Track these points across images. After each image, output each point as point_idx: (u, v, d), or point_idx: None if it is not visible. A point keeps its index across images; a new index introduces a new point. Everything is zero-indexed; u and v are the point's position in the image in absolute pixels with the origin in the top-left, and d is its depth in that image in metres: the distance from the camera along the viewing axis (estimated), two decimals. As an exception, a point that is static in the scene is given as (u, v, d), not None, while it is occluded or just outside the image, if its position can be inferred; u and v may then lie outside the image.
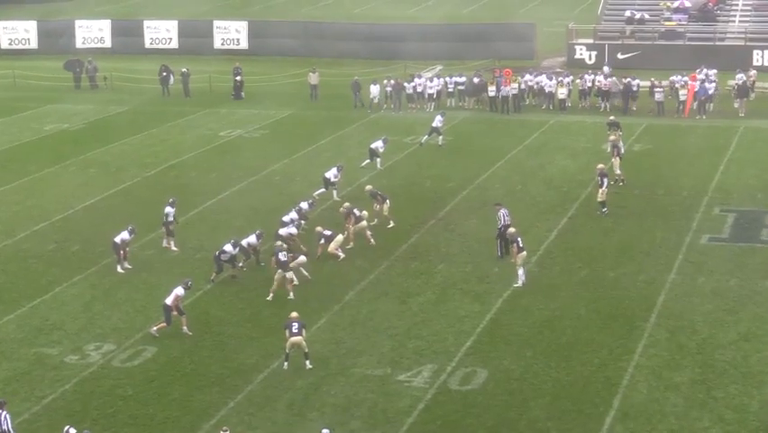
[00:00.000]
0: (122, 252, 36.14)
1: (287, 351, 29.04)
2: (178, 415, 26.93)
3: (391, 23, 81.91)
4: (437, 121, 51.73)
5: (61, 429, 24.59)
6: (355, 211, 38.61)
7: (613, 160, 45.05)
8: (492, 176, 46.88)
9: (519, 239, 34.76)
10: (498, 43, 72.91)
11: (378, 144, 48.21)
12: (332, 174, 43.48)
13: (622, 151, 45.60)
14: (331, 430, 24.33)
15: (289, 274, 33.92)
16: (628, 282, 34.78)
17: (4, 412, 24.54)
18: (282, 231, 37.12)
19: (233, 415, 26.82)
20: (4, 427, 24.39)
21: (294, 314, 29.62)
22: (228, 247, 35.22)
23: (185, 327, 31.29)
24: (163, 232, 38.32)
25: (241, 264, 35.96)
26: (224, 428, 24.64)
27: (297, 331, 28.94)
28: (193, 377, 28.86)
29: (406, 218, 40.84)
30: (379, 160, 47.90)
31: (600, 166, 41.74)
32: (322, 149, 52.34)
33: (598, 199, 40.94)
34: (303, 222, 38.63)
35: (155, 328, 31.24)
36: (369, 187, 41.57)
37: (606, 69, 62.03)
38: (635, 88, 58.38)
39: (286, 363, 29.01)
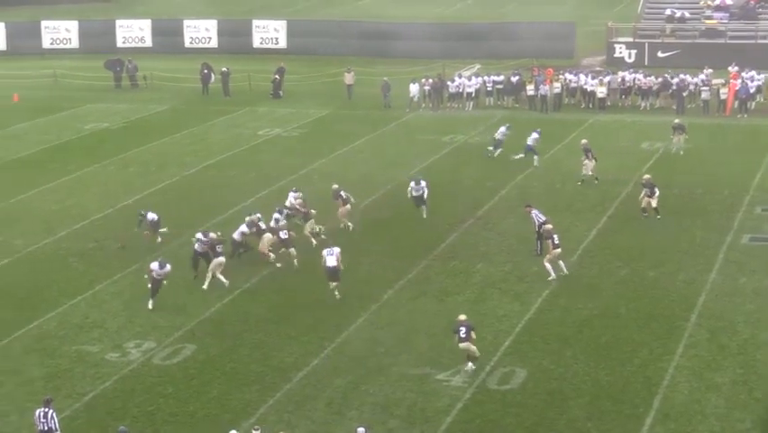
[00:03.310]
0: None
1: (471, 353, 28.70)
2: (218, 413, 27.01)
3: (429, 21, 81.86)
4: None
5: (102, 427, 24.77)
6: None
7: (587, 161, 44.57)
8: (531, 175, 46.76)
9: (555, 236, 34.76)
10: (536, 42, 72.75)
11: (501, 130, 49.47)
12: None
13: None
14: (367, 429, 24.34)
15: (293, 250, 35.74)
16: (668, 282, 34.59)
17: (51, 410, 24.68)
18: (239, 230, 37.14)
19: (272, 413, 26.88)
20: (51, 424, 24.53)
21: (462, 317, 29.20)
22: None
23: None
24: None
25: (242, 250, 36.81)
26: (256, 427, 24.68)
27: (464, 336, 28.43)
28: (232, 375, 28.94)
29: (445, 217, 40.81)
30: (499, 150, 49.14)
31: (647, 177, 40.87)
32: (359, 148, 52.39)
33: (653, 206, 40.04)
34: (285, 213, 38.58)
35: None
36: (335, 186, 40.98)
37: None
38: (692, 87, 58.15)
39: (470, 364, 28.69)
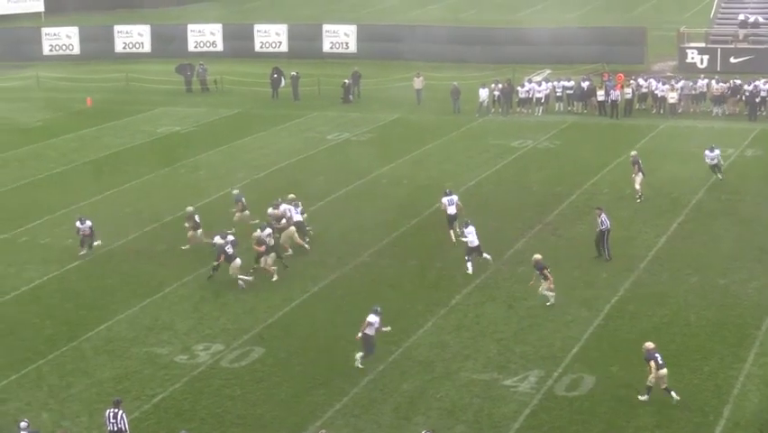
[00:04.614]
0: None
1: (650, 384, 27.17)
2: (285, 416, 27.14)
3: (499, 26, 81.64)
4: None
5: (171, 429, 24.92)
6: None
7: (634, 176, 43.60)
8: (601, 180, 46.50)
9: (545, 267, 33.42)
10: (607, 47, 72.25)
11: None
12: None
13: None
14: (433, 433, 24.40)
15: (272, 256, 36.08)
16: (739, 289, 34.21)
17: (121, 411, 24.94)
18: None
19: (339, 417, 26.95)
20: (121, 425, 24.80)
21: (650, 345, 27.49)
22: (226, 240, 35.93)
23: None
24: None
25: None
26: (323, 431, 24.77)
27: (663, 363, 27.04)
28: (300, 378, 29.05)
29: (514, 223, 40.71)
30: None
31: None
32: (428, 153, 52.38)
33: None
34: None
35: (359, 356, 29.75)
36: (236, 191, 41.37)
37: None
38: (764, 93, 57.43)
39: (647, 396, 27.20)
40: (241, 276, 35.31)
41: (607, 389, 27.97)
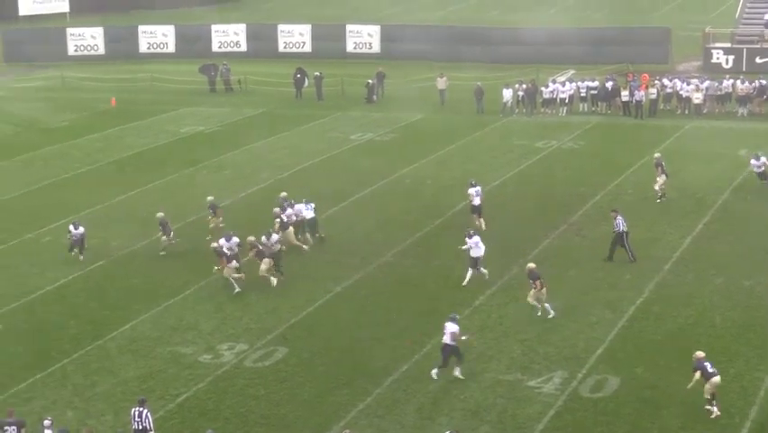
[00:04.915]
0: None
1: (707, 396, 26.57)
2: (309, 416, 27.14)
3: (523, 27, 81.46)
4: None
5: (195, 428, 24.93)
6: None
7: (657, 177, 43.32)
8: (625, 181, 46.36)
9: (538, 277, 32.59)
10: (631, 47, 72.01)
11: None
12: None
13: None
14: (456, 434, 24.34)
15: (266, 261, 35.46)
16: (765, 291, 34.03)
17: (145, 410, 25.00)
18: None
19: (363, 417, 26.93)
20: (146, 424, 24.85)
21: (701, 354, 26.85)
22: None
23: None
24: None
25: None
26: (347, 431, 24.78)
27: (714, 371, 26.42)
28: (324, 378, 29.04)
29: (537, 223, 40.62)
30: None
31: None
32: (452, 153, 52.33)
33: None
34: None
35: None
36: (210, 198, 41.29)
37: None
38: None
39: (714, 407, 26.54)
40: (232, 276, 35.34)
41: (631, 390, 27.87)
